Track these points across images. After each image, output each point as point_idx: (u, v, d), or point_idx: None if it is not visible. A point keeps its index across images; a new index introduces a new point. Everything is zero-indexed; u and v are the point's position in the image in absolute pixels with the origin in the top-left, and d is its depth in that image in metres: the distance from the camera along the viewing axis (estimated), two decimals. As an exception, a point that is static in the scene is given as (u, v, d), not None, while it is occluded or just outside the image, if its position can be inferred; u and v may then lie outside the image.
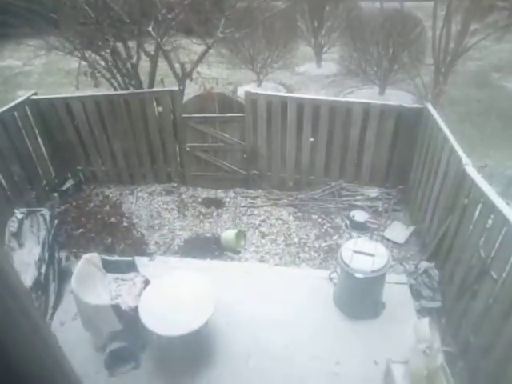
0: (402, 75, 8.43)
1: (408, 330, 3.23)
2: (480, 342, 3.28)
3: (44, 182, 5.80)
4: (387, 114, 5.25)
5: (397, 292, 4.11)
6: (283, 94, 8.30)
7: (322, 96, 7.22)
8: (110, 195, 5.91)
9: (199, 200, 5.86)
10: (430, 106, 5.00)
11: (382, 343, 3.62)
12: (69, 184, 5.98)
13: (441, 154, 4.38)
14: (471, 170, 3.73)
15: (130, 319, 3.48)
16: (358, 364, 3.49)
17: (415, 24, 8.65)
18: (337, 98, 6.51)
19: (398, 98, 8.66)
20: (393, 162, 5.54)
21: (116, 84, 6.34)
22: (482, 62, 11.02)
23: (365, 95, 9.14)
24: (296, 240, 5.12)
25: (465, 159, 3.87)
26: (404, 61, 8.24)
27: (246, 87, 9.12)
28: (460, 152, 3.98)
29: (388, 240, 4.99)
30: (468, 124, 7.56)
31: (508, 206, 3.22)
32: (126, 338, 3.55)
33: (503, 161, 6.40)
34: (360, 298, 3.88)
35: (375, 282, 3.78)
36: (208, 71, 7.25)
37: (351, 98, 8.25)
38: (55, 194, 5.75)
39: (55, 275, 4.33)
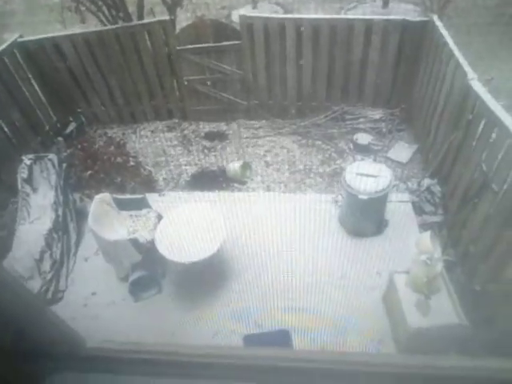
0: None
1: (410, 243, 3.41)
2: (479, 249, 3.47)
3: (47, 127, 5.80)
4: (391, 30, 5.00)
5: (400, 209, 4.26)
6: (280, 15, 7.83)
7: (321, 15, 6.80)
8: (114, 135, 5.93)
9: (202, 134, 5.87)
10: (435, 19, 4.73)
11: (386, 257, 3.85)
12: (71, 127, 5.97)
13: (446, 68, 4.25)
14: (476, 85, 3.64)
15: (147, 251, 3.71)
16: (362, 276, 3.75)
17: None
18: (337, 16, 6.15)
19: (402, 11, 8.13)
20: (396, 80, 5.38)
21: (103, 18, 6.02)
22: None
23: (367, 10, 8.58)
24: (301, 167, 5.20)
25: (470, 73, 3.76)
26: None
27: (241, 11, 8.59)
28: (466, 66, 3.86)
29: (392, 160, 5.04)
30: (475, 35, 7.15)
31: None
32: (147, 267, 3.83)
33: (510, 72, 6.17)
34: (364, 218, 4.04)
35: (378, 201, 3.91)
36: (198, -5, 6.80)
37: (352, 15, 7.77)
38: (59, 138, 5.77)
39: (72, 215, 4.53)
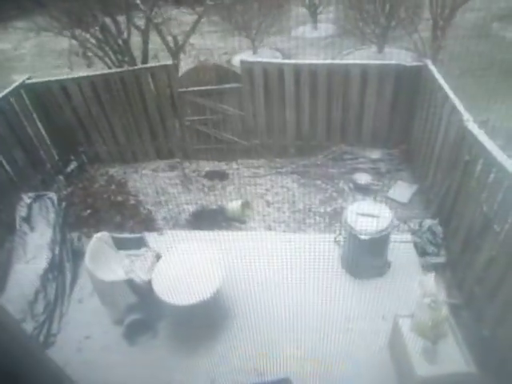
0: (400, 32, 8.19)
1: (414, 285, 3.33)
2: (484, 291, 3.39)
3: (48, 165, 5.85)
4: (386, 74, 5.17)
5: (402, 250, 4.20)
6: (279, 60, 8.14)
7: (319, 60, 7.08)
8: (115, 174, 5.97)
9: (202, 173, 5.91)
10: (429, 63, 4.91)
11: (389, 300, 3.74)
12: (72, 166, 6.03)
13: (442, 111, 4.35)
14: (472, 126, 3.72)
15: (144, 292, 3.62)
16: (367, 320, 3.63)
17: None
18: (334, 61, 6.39)
19: (396, 56, 8.45)
20: (394, 122, 5.50)
21: (109, 62, 6.26)
22: (482, 13, 10.64)
23: (363, 55, 8.93)
24: (301, 206, 5.19)
25: (466, 115, 3.85)
26: (401, 16, 7.99)
27: (242, 56, 8.94)
28: (461, 108, 3.95)
29: (392, 200, 5.04)
30: (469, 78, 7.41)
31: (509, 159, 3.23)
32: (142, 310, 3.71)
33: (505, 114, 6.32)
34: (366, 259, 3.98)
35: (380, 242, 3.86)
36: (201, 42, 7.10)
37: (349, 60, 8.08)
38: (60, 177, 5.81)
39: (69, 255, 4.46)
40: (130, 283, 3.63)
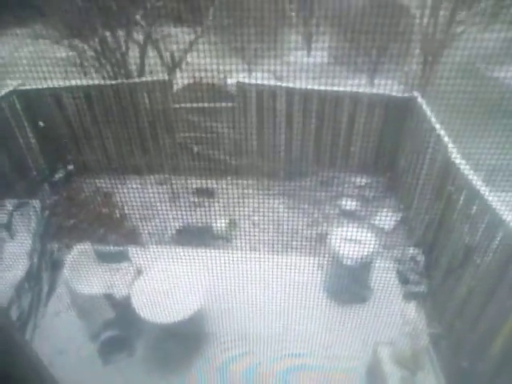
0: (391, 65, 8.46)
1: (395, 313, 3.34)
2: (463, 323, 3.41)
3: (34, 172, 5.77)
4: (376, 103, 5.33)
5: (384, 278, 4.21)
6: (273, 83, 8.29)
7: (311, 85, 7.24)
8: (102, 185, 5.90)
9: (191, 190, 5.89)
10: (418, 96, 5.08)
11: (370, 326, 3.73)
12: (60, 174, 5.95)
13: (428, 142, 4.48)
14: (457, 158, 3.83)
15: (123, 308, 3.53)
16: (346, 345, 3.60)
17: (403, 12, 8.66)
18: (326, 88, 6.55)
19: (387, 87, 8.70)
20: (381, 149, 5.63)
21: (105, 73, 6.29)
22: (470, 52, 11.09)
23: (354, 84, 9.16)
24: (287, 228, 5.19)
25: (450, 148, 3.97)
26: (392, 50, 8.27)
27: (237, 76, 9.09)
28: (446, 141, 4.08)
29: (376, 227, 5.09)
30: (454, 114, 7.65)
31: (492, 192, 3.33)
32: (120, 326, 3.62)
33: (488, 149, 6.52)
34: (348, 284, 3.98)
35: (363, 268, 3.89)
36: (198, 60, 7.21)
37: (340, 88, 8.28)
38: (46, 185, 5.73)
39: (48, 265, 4.36)
40: (109, 298, 3.55)
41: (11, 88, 5.49)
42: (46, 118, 5.75)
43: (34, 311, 4.06)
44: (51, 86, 5.76)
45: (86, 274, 3.85)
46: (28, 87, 5.66)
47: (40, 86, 5.71)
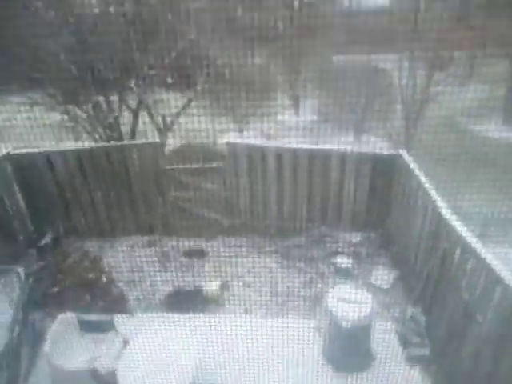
0: (376, 122, 8.82)
1: (399, 381, 3.14)
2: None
3: (21, 237, 5.64)
4: (364, 162, 5.44)
5: (385, 340, 4.02)
6: (262, 142, 8.51)
7: (300, 144, 7.46)
8: (90, 249, 5.76)
9: (181, 251, 5.77)
10: (403, 153, 5.22)
11: (374, 397, 3.49)
12: (47, 239, 5.80)
13: (416, 197, 4.51)
14: (446, 213, 3.83)
15: (108, 384, 3.28)
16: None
17: (384, 74, 9.20)
18: (315, 146, 6.74)
19: (373, 144, 8.99)
20: (372, 206, 5.65)
21: (97, 136, 6.42)
22: (450, 108, 11.67)
23: (342, 142, 9.45)
24: (281, 289, 5.04)
25: (439, 203, 3.99)
26: (376, 109, 8.67)
27: (227, 137, 9.33)
28: (434, 196, 4.11)
29: (373, 286, 4.96)
30: (440, 167, 7.85)
31: (485, 246, 3.29)
32: (104, 405, 3.33)
33: (477, 201, 6.59)
34: (348, 348, 3.78)
35: (362, 330, 3.71)
36: (188, 122, 7.43)
37: (328, 146, 8.52)
38: (32, 250, 5.56)
39: (29, 338, 4.09)
40: (93, 373, 3.30)
41: (4, 152, 5.54)
42: (36, 182, 5.74)
43: (10, 390, 3.74)
44: (43, 150, 5.84)
45: (68, 346, 3.61)
46: (20, 151, 5.71)
47: (32, 151, 5.78)
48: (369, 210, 5.67)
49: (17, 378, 3.84)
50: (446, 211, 3.88)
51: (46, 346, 3.40)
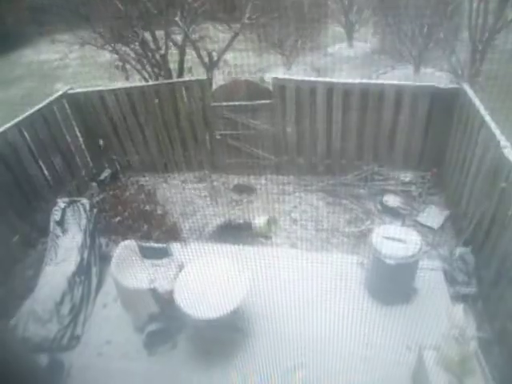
0: (438, 53, 8.04)
1: (441, 316, 3.19)
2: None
3: (83, 172, 6.09)
4: (421, 96, 5.08)
5: (430, 278, 4.04)
6: (312, 78, 8.17)
7: (353, 79, 7.08)
8: (145, 183, 6.12)
9: (231, 187, 5.96)
10: (466, 86, 4.79)
11: (415, 329, 3.58)
12: (106, 174, 6.24)
13: (477, 136, 4.21)
14: (510, 153, 3.57)
15: (166, 302, 3.65)
16: (388, 348, 3.50)
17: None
18: (368, 81, 6.34)
19: (433, 77, 8.30)
20: (427, 144, 5.37)
21: (146, 75, 6.49)
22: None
23: (399, 75, 8.82)
24: (327, 225, 5.12)
25: (503, 142, 3.71)
26: (439, 37, 7.86)
27: (275, 72, 9.04)
28: (498, 134, 3.82)
29: (422, 225, 4.89)
30: (508, 102, 7.16)
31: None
32: (164, 319, 3.74)
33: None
34: (391, 284, 3.85)
35: (407, 268, 3.74)
36: (235, 58, 7.24)
37: (384, 80, 7.99)
38: (94, 184, 6.03)
39: (97, 260, 4.59)
40: (153, 292, 3.67)
41: (61, 92, 5.81)
42: (93, 120, 6.03)
43: (84, 303, 4.30)
44: (97, 88, 6.04)
45: (131, 269, 4.01)
46: (76, 91, 5.96)
47: (87, 90, 6.01)
48: (424, 148, 5.40)
49: (89, 293, 4.39)
50: (508, 150, 3.62)
51: (112, 268, 3.79)
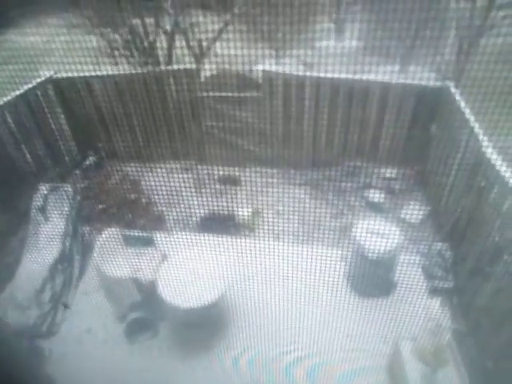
0: (424, 51, 8.14)
1: (418, 309, 3.29)
2: (490, 322, 3.32)
3: (67, 158, 5.99)
4: (406, 94, 5.16)
5: (409, 272, 4.14)
6: (300, 72, 8.18)
7: (340, 74, 7.12)
8: (130, 172, 6.06)
9: (216, 178, 5.96)
10: (451, 85, 4.88)
11: (392, 321, 3.68)
12: (90, 161, 6.15)
13: (460, 134, 4.31)
14: (490, 152, 3.67)
15: (148, 291, 3.66)
16: (367, 339, 3.59)
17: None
18: (355, 77, 6.40)
19: (419, 75, 8.40)
20: (411, 141, 5.46)
21: (134, 61, 6.39)
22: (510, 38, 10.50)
23: (385, 72, 8.89)
24: (311, 219, 5.17)
25: (485, 142, 3.81)
26: (426, 36, 7.94)
27: (264, 65, 8.99)
28: (480, 134, 3.91)
29: (403, 221, 4.99)
30: (492, 103, 7.31)
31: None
32: (145, 308, 3.75)
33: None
34: (372, 278, 3.95)
35: (387, 262, 3.83)
36: (225, 49, 7.19)
37: (370, 76, 8.06)
38: (77, 171, 5.94)
39: (79, 248, 4.55)
40: (135, 281, 3.68)
41: (46, 77, 5.68)
42: (78, 106, 5.93)
43: (65, 291, 4.27)
44: (83, 74, 5.93)
45: (114, 257, 3.99)
46: (61, 76, 5.84)
47: (72, 75, 5.89)
48: (407, 145, 5.49)
49: (70, 282, 4.36)
50: (488, 150, 3.72)
51: (95, 256, 3.77)
